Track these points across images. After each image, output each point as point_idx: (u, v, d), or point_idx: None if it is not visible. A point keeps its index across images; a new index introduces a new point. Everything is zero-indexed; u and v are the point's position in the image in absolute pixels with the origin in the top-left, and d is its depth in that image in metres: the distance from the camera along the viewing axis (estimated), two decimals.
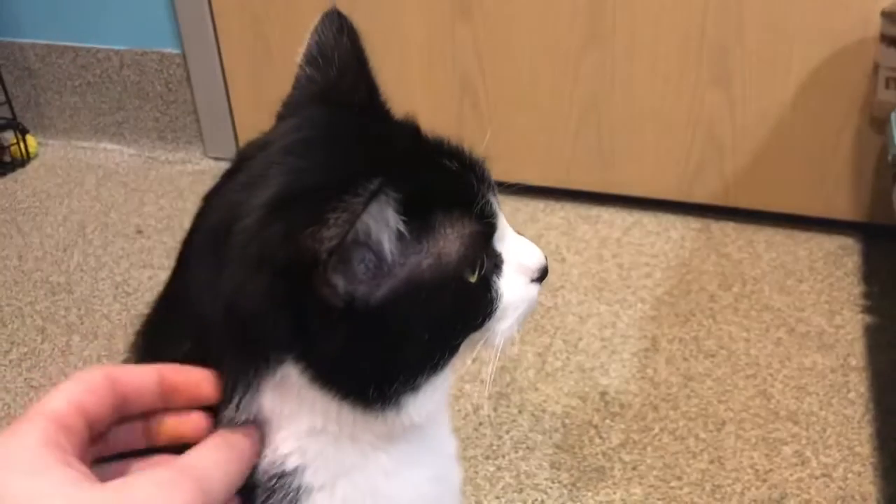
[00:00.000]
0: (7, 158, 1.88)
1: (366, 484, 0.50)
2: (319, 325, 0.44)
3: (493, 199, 0.50)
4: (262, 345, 0.45)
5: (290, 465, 0.47)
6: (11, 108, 1.87)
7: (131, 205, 1.71)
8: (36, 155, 1.92)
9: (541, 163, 1.61)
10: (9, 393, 1.21)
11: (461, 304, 0.48)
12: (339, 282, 0.42)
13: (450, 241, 0.47)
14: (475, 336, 0.50)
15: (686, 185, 1.54)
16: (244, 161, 0.51)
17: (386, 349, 0.46)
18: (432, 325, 0.47)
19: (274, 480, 0.47)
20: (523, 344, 1.24)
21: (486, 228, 0.49)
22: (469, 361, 0.52)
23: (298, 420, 0.47)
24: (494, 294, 0.49)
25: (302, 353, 0.45)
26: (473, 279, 0.48)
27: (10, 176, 1.85)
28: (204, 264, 0.47)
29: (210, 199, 0.51)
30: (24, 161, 1.88)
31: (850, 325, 1.26)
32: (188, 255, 0.50)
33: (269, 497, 0.47)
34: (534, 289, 0.53)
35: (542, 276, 0.53)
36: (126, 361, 0.54)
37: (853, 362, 1.18)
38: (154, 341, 0.52)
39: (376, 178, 0.41)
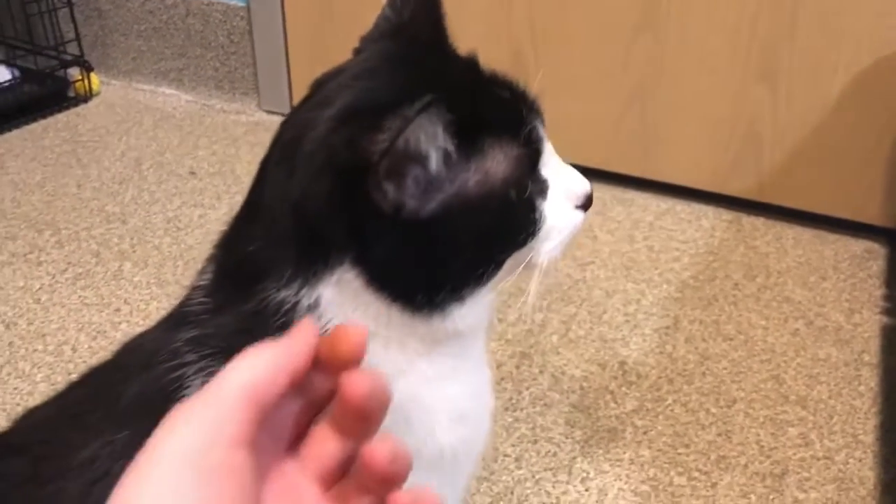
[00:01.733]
0: (71, 93, 1.96)
1: (407, 390, 0.54)
2: (374, 229, 0.49)
3: (540, 127, 0.55)
4: (323, 245, 0.50)
5: None
6: (80, 46, 1.95)
7: (185, 148, 1.78)
8: (98, 92, 2.00)
9: (582, 143, 1.66)
10: (63, 308, 1.29)
11: (506, 221, 0.52)
12: (390, 188, 0.47)
13: (497, 161, 0.51)
14: (519, 254, 0.54)
15: (722, 178, 1.58)
16: (318, 87, 0.57)
17: (435, 259, 0.51)
18: (478, 240, 0.51)
19: None
20: (549, 311, 1.30)
21: (532, 153, 0.54)
22: (514, 277, 0.57)
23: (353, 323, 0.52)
24: (538, 215, 0.54)
25: (358, 257, 0.50)
26: (522, 198, 0.52)
27: (73, 110, 1.93)
28: (278, 172, 0.53)
29: (286, 120, 0.57)
30: (86, 97, 1.97)
31: (867, 324, 1.30)
32: (265, 167, 0.56)
33: None
34: (578, 215, 0.57)
35: (586, 203, 0.57)
36: (201, 272, 0.60)
37: (866, 358, 1.23)
38: (227, 246, 0.58)
39: (429, 95, 0.46)
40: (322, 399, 0.42)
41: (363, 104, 0.51)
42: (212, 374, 0.50)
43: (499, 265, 0.53)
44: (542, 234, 0.54)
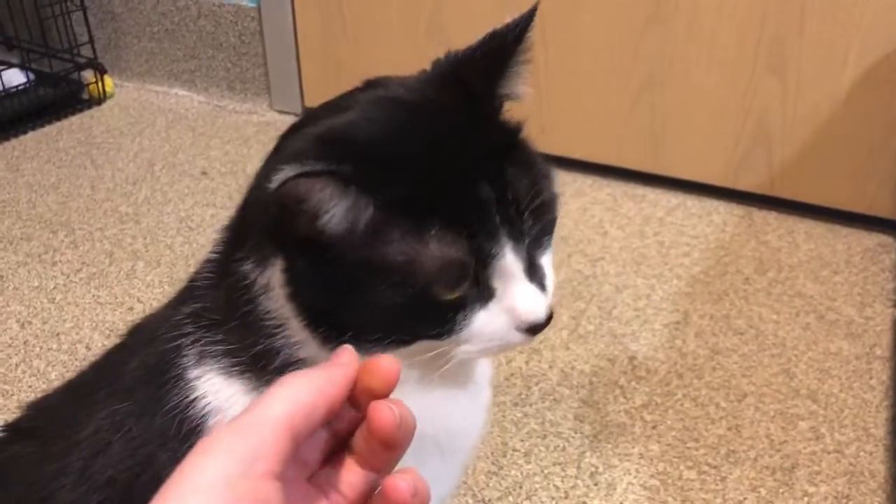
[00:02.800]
0: (85, 96, 1.98)
1: None
2: (294, 246, 0.49)
3: (503, 240, 0.49)
4: (266, 236, 0.51)
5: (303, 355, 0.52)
6: (93, 49, 1.97)
7: (198, 148, 1.80)
8: (112, 94, 2.02)
9: (593, 139, 1.66)
10: (77, 307, 1.31)
11: (419, 310, 0.48)
12: (301, 225, 0.46)
13: (430, 254, 0.47)
14: (433, 342, 0.50)
15: (732, 172, 1.57)
16: (360, 89, 0.58)
17: (342, 302, 0.48)
18: (387, 312, 0.48)
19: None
20: (559, 307, 1.30)
21: (479, 265, 0.49)
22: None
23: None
24: (463, 319, 0.49)
25: (285, 266, 0.50)
26: (446, 298, 0.48)
27: (87, 112, 1.96)
28: (265, 161, 0.55)
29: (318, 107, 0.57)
30: (100, 99, 1.99)
31: (879, 317, 1.29)
32: None
33: None
34: (516, 335, 0.51)
35: (532, 330, 0.51)
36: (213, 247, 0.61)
37: (878, 352, 1.22)
38: (231, 220, 0.59)
39: (348, 163, 0.45)
40: (345, 427, 0.42)
41: (326, 135, 0.51)
42: (206, 344, 0.52)
43: (404, 342, 0.50)
44: (461, 336, 0.50)
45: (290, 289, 0.49)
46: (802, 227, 1.52)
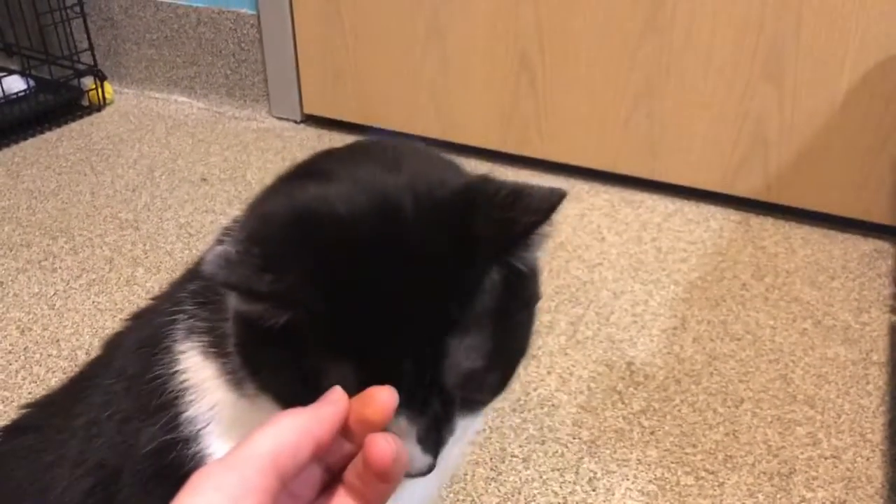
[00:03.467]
0: (85, 102, 1.99)
1: None
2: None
3: (403, 412, 0.44)
4: None
5: None
6: (93, 55, 1.98)
7: (197, 154, 1.80)
8: (112, 101, 2.02)
9: (590, 146, 1.67)
10: (77, 313, 1.31)
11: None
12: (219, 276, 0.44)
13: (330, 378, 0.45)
14: None
15: (730, 178, 1.58)
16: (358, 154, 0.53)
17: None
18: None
19: None
20: (557, 313, 1.30)
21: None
22: None
23: None
24: None
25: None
26: None
27: (87, 119, 1.96)
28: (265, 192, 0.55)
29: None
30: (100, 106, 1.99)
31: (876, 322, 1.30)
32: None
33: None
34: None
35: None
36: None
37: (875, 357, 1.22)
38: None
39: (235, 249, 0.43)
40: (337, 460, 0.42)
41: (258, 220, 0.48)
42: (196, 320, 0.52)
43: None
44: None
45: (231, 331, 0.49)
46: (799, 232, 1.52)
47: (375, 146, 0.53)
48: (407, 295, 0.44)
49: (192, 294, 0.55)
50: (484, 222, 0.45)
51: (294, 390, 0.44)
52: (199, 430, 0.51)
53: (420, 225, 0.45)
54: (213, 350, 0.52)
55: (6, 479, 0.57)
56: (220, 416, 0.51)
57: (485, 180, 0.48)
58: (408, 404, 0.44)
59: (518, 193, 0.46)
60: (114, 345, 0.60)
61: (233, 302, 0.47)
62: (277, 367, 0.46)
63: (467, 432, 0.52)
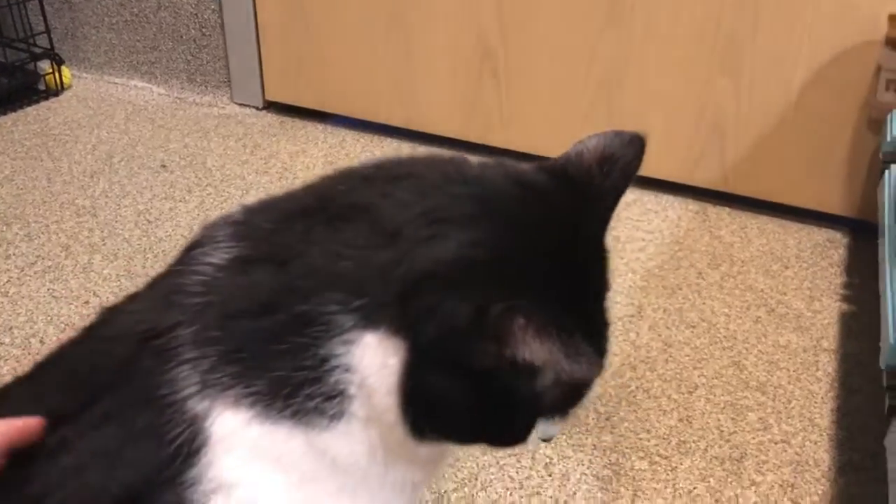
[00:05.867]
0: (42, 87, 1.95)
1: None
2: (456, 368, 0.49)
3: None
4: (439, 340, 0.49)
5: None
6: (50, 39, 1.94)
7: (157, 140, 1.78)
8: (70, 86, 1.99)
9: (552, 135, 1.68)
10: (32, 300, 1.30)
11: (521, 422, 0.53)
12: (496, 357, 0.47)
13: (580, 373, 0.47)
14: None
15: (688, 169, 1.60)
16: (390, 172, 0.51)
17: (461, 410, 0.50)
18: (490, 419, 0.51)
19: None
20: None
21: None
22: None
23: None
24: (531, 431, 0.53)
25: (412, 361, 0.49)
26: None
27: (44, 104, 1.93)
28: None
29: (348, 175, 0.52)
30: (57, 91, 1.96)
31: (827, 311, 1.33)
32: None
33: None
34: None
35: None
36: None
37: (825, 344, 1.25)
38: None
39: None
40: None
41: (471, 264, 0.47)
42: (240, 383, 0.46)
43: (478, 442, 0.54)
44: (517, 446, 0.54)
45: (407, 383, 0.45)
46: (755, 222, 1.55)
47: (407, 163, 0.53)
48: (594, 267, 0.52)
49: (199, 343, 0.45)
50: (593, 198, 0.54)
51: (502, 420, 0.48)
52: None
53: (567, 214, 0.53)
54: (256, 398, 0.44)
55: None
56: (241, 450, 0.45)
57: (566, 162, 0.57)
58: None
59: (607, 160, 0.56)
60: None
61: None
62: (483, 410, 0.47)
63: None
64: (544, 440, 0.54)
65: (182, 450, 0.43)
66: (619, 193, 0.54)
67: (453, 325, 0.44)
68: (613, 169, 0.54)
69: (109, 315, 0.51)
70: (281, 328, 0.44)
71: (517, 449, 0.51)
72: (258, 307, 0.45)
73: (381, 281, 0.45)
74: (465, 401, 0.46)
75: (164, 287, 0.49)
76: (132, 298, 0.52)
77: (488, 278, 0.46)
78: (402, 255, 0.45)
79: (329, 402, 0.44)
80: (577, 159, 0.55)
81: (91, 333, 0.51)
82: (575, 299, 0.49)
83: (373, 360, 0.44)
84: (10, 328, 1.23)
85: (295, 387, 0.44)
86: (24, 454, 0.45)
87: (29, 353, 1.18)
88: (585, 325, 0.48)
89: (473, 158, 0.54)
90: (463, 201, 0.48)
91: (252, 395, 0.44)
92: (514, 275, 0.47)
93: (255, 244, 0.48)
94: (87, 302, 1.29)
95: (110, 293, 1.32)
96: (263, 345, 0.44)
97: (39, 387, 0.50)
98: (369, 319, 0.44)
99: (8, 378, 1.11)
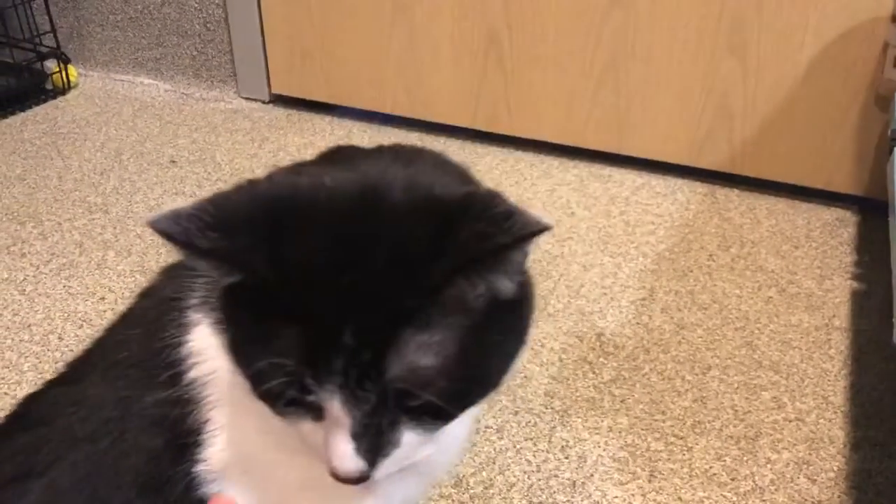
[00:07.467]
0: (49, 86, 1.96)
1: None
2: None
3: (335, 394, 0.45)
4: None
5: None
6: (56, 38, 1.95)
7: (165, 136, 1.79)
8: (76, 84, 2.00)
9: (558, 121, 1.68)
10: (49, 298, 1.31)
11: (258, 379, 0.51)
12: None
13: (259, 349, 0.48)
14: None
15: (696, 151, 1.60)
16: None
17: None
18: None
19: None
20: None
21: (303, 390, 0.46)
22: None
23: None
24: (290, 415, 0.49)
25: None
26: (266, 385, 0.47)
27: (52, 103, 1.94)
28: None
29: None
30: (64, 89, 1.97)
31: (838, 289, 1.33)
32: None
33: None
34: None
35: (335, 476, 0.47)
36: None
37: (837, 323, 1.26)
38: None
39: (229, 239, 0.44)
40: None
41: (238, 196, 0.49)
42: (210, 294, 0.53)
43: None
44: (294, 430, 0.50)
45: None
46: (764, 203, 1.55)
47: (401, 147, 0.53)
48: (365, 275, 0.44)
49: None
50: (467, 230, 0.44)
51: (250, 350, 0.46)
52: (199, 394, 0.53)
53: (402, 215, 0.45)
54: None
55: (49, 424, 0.57)
56: (218, 383, 0.53)
57: (490, 195, 0.47)
58: (342, 384, 0.44)
59: (510, 215, 0.45)
60: (143, 295, 0.62)
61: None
62: (240, 329, 0.47)
63: (421, 453, 0.49)
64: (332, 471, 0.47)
65: (167, 352, 0.54)
66: (482, 258, 0.45)
67: None
68: (496, 236, 0.45)
69: None
70: None
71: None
72: None
73: None
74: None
75: None
76: None
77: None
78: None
79: None
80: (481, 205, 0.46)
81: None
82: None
83: None
84: (29, 325, 1.25)
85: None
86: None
87: (48, 350, 1.19)
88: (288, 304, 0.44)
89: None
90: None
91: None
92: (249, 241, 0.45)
93: None
94: (102, 298, 1.31)
95: (125, 289, 1.33)
96: None
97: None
98: None
99: (30, 375, 1.12)
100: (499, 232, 0.44)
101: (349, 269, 0.43)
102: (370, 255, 0.44)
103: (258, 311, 0.45)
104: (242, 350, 0.47)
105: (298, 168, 0.50)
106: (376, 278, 0.44)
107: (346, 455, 0.46)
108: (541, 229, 0.44)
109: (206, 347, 0.53)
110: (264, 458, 0.54)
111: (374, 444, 0.46)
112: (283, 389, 0.45)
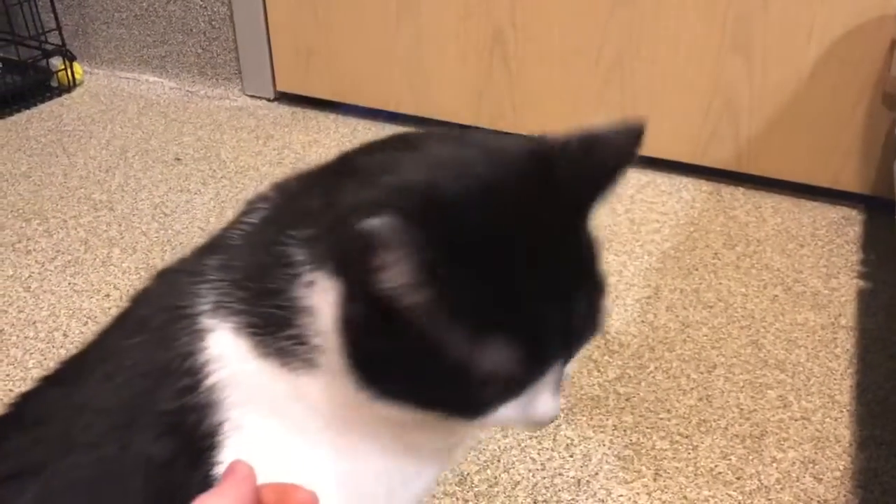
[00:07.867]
0: (54, 83, 1.97)
1: None
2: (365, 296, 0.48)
3: (559, 365, 0.48)
4: (343, 261, 0.49)
5: None
6: (61, 36, 1.95)
7: (170, 134, 1.79)
8: (82, 82, 2.00)
9: (563, 118, 1.67)
10: (54, 295, 1.31)
11: (455, 392, 0.50)
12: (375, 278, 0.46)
13: (483, 365, 0.47)
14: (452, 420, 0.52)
15: (701, 149, 1.60)
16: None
17: (392, 360, 0.49)
18: (424, 383, 0.50)
19: None
20: None
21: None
22: None
23: None
24: (491, 410, 0.49)
25: (349, 297, 0.49)
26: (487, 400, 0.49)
27: (57, 100, 1.94)
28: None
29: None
30: (70, 87, 1.97)
31: (844, 288, 1.33)
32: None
33: None
34: (522, 425, 0.52)
35: (538, 425, 0.52)
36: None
37: (843, 321, 1.26)
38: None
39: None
40: None
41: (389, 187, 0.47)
42: (232, 300, 0.51)
43: (431, 411, 0.49)
44: (481, 422, 0.50)
45: (344, 324, 0.46)
46: (770, 201, 1.55)
47: (405, 135, 0.53)
48: (573, 241, 0.47)
49: (220, 269, 0.52)
50: (567, 174, 0.48)
51: (438, 386, 0.45)
52: (218, 397, 0.51)
53: (566, 171, 0.48)
54: (253, 330, 0.49)
55: (45, 425, 0.57)
56: (240, 386, 0.51)
57: (545, 137, 0.51)
58: (566, 358, 0.48)
59: (592, 139, 0.50)
60: (139, 300, 0.58)
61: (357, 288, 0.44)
62: (413, 367, 0.45)
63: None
64: (536, 425, 0.50)
65: (181, 360, 0.49)
66: (601, 179, 0.50)
67: (352, 246, 0.43)
68: (598, 152, 0.50)
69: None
70: (270, 265, 0.48)
71: (477, 422, 0.49)
72: (261, 245, 0.50)
73: (326, 213, 0.47)
74: (393, 347, 0.46)
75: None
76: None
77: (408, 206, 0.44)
78: (355, 192, 0.47)
79: (301, 347, 0.47)
80: (560, 140, 0.51)
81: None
82: (501, 277, 0.45)
83: (322, 301, 0.46)
84: (34, 322, 1.25)
85: (278, 326, 0.47)
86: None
87: (53, 347, 1.20)
88: (511, 315, 0.45)
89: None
90: (440, 160, 0.49)
91: (251, 325, 0.48)
92: (438, 221, 0.44)
93: (281, 201, 0.53)
94: (107, 295, 1.31)
95: (130, 286, 1.33)
96: (259, 282, 0.48)
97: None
98: (316, 254, 0.46)
99: (35, 372, 1.12)
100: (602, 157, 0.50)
101: (559, 242, 0.47)
102: (561, 222, 0.47)
103: (443, 337, 0.44)
104: (421, 389, 0.46)
105: (389, 157, 0.50)
106: (578, 240, 0.47)
107: (554, 404, 0.49)
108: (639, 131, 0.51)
109: (225, 352, 0.51)
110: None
111: (560, 381, 0.50)
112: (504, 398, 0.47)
